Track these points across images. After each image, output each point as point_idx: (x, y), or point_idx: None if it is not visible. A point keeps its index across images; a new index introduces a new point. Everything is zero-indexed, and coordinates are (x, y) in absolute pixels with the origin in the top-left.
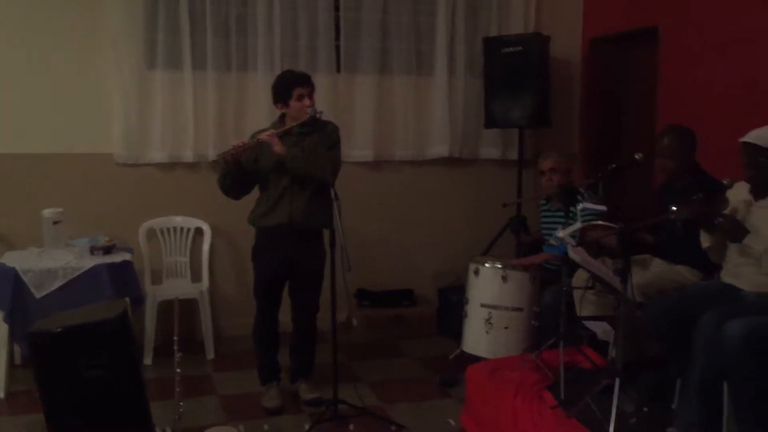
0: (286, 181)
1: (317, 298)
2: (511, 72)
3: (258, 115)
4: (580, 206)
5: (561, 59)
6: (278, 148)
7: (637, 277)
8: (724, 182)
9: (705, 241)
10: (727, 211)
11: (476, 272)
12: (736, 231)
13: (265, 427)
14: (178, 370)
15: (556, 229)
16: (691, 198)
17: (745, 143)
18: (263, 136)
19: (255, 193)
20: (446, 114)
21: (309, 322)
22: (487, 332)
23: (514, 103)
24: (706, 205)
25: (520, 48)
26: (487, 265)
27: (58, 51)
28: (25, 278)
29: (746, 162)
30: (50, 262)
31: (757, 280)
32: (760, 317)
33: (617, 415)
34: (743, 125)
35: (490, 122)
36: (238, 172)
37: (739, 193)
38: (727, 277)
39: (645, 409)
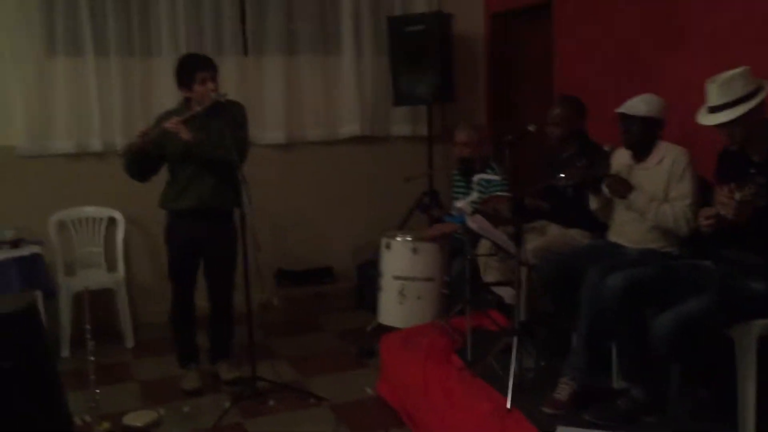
0: (193, 166)
1: (231, 278)
2: (416, 50)
3: (165, 99)
4: (475, 177)
5: (465, 35)
6: (185, 135)
7: (534, 242)
8: (606, 149)
9: (593, 203)
10: None
11: (388, 246)
12: (622, 187)
13: (185, 408)
14: (92, 358)
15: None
16: (575, 165)
17: (620, 114)
18: (169, 124)
19: (165, 175)
20: (355, 93)
21: (224, 302)
22: (400, 303)
23: (420, 80)
24: (590, 169)
25: (422, 26)
26: (398, 239)
27: None
28: None
29: (623, 130)
30: None
31: (639, 237)
32: (638, 269)
33: (517, 370)
34: (625, 92)
35: (398, 100)
36: (145, 159)
37: (620, 159)
38: (612, 236)
39: (542, 363)
